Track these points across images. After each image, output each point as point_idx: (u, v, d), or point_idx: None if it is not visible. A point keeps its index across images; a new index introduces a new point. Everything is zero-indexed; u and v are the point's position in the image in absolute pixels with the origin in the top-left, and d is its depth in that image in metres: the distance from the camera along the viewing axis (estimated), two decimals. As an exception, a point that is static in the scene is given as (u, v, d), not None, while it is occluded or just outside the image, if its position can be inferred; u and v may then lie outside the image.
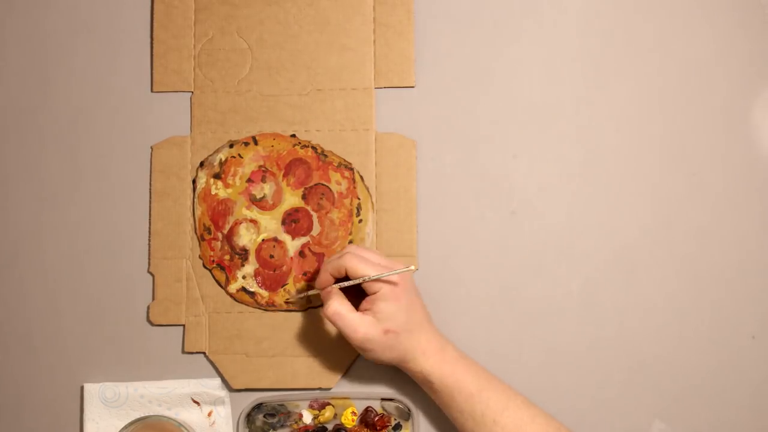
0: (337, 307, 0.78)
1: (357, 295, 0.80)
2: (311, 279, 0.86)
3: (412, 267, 0.78)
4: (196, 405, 0.85)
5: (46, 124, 0.89)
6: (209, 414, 0.85)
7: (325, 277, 0.80)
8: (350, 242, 0.86)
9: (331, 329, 0.86)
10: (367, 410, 0.84)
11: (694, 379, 0.85)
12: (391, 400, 0.85)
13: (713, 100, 0.87)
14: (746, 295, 0.85)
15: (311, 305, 0.86)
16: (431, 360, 0.79)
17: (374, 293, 0.78)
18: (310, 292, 0.84)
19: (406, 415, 0.84)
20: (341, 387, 0.86)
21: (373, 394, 0.85)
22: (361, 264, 0.78)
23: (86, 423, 0.85)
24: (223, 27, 0.89)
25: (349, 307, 0.79)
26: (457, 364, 0.79)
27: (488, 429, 0.78)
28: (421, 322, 0.80)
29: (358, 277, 0.78)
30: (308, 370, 0.86)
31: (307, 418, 0.85)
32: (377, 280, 0.77)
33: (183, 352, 0.86)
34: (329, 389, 0.85)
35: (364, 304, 0.79)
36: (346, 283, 0.79)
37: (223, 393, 0.85)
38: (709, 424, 0.84)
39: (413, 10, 0.88)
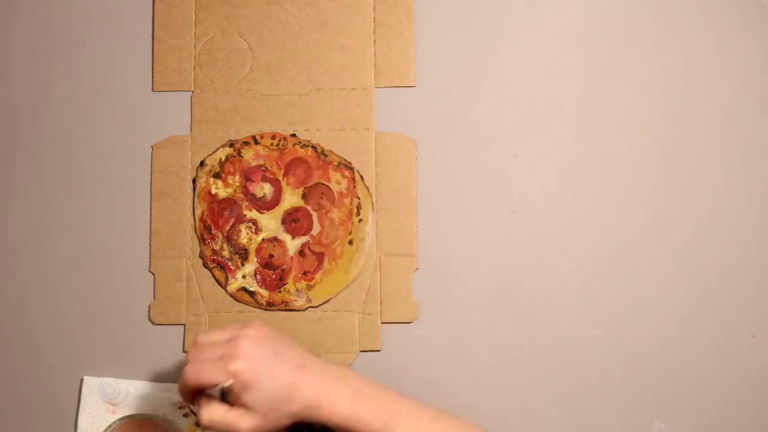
0: (210, 414, 0.73)
1: None
2: (311, 279, 0.86)
3: (228, 382, 0.72)
4: (192, 415, 0.85)
5: (46, 124, 0.89)
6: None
7: (185, 394, 0.75)
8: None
9: (332, 328, 0.86)
10: None
11: (694, 378, 0.85)
12: None
13: (714, 99, 0.87)
14: (746, 295, 0.85)
15: (311, 305, 0.86)
16: (325, 410, 0.73)
17: (231, 392, 0.72)
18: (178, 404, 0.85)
19: None
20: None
21: None
22: (199, 375, 0.72)
23: (81, 416, 0.85)
24: (224, 27, 0.89)
25: (222, 409, 0.73)
26: (355, 402, 0.74)
27: None
28: (292, 381, 0.73)
29: (208, 388, 0.73)
30: (308, 370, 0.86)
31: None
32: (223, 390, 0.72)
33: (183, 351, 0.86)
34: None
35: (231, 400, 0.73)
36: (199, 395, 0.74)
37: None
38: (709, 423, 0.84)
39: (413, 10, 0.88)
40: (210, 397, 0.73)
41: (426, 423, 0.75)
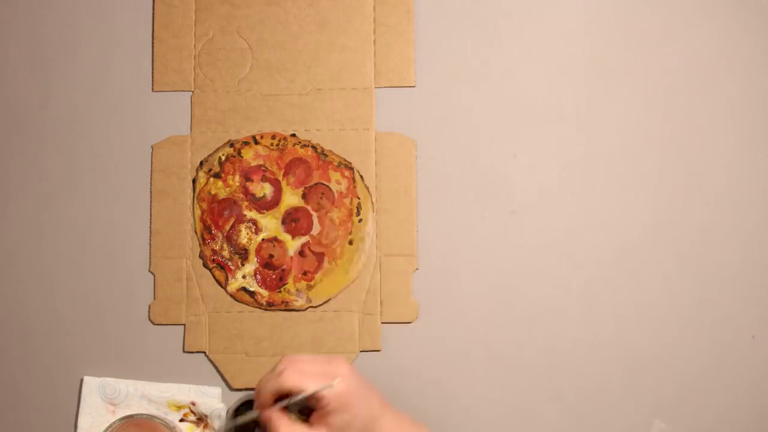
0: (290, 428, 0.72)
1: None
2: (311, 279, 0.86)
3: (337, 381, 0.72)
4: (192, 415, 0.85)
5: (46, 124, 0.89)
6: (204, 426, 0.85)
7: (265, 397, 0.73)
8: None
9: (332, 329, 0.86)
10: None
11: (694, 378, 0.85)
12: None
13: (714, 99, 0.87)
14: (746, 295, 0.85)
15: (311, 305, 0.86)
16: None
17: (322, 408, 0.72)
18: (248, 418, 0.77)
19: None
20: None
21: None
22: (302, 379, 0.72)
23: (81, 416, 0.85)
24: (224, 27, 0.89)
25: (299, 428, 0.72)
26: None
27: None
28: (376, 418, 0.74)
29: (299, 394, 0.72)
30: (308, 370, 0.86)
31: None
32: (316, 393, 0.71)
33: (183, 351, 0.86)
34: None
35: (314, 419, 0.72)
36: (285, 402, 0.72)
37: (221, 406, 0.85)
38: (709, 423, 0.84)
39: (413, 10, 0.88)
40: (285, 411, 0.73)
41: None
